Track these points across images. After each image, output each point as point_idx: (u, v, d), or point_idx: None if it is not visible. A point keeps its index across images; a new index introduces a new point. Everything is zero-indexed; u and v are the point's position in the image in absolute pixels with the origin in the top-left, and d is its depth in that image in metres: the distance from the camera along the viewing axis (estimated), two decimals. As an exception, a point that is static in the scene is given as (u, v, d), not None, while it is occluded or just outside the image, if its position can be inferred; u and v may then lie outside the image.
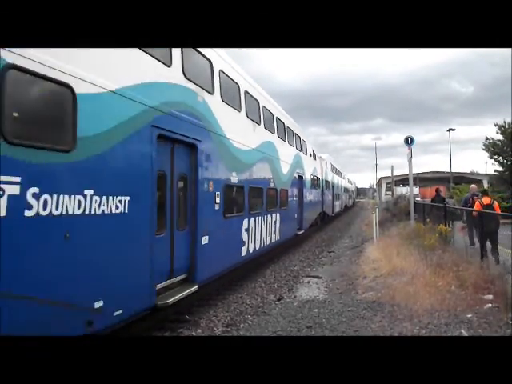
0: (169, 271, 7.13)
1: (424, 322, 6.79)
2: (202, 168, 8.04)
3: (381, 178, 70.26)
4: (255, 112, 11.72)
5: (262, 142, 12.11)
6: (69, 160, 4.60)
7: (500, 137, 41.39)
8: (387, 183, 62.74)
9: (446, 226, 13.31)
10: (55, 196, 4.40)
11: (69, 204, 4.57)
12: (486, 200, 11.75)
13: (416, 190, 45.50)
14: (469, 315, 6.92)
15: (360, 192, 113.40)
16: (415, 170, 49.60)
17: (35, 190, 4.15)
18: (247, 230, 10.83)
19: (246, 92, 10.85)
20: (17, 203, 3.94)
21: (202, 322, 7.98)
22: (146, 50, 6.13)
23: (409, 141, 17.46)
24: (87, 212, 4.85)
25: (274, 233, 13.65)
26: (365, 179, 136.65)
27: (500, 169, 43.06)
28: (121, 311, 5.49)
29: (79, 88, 4.74)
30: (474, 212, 11.40)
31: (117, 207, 5.38)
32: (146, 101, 6.06)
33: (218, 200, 8.82)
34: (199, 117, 7.90)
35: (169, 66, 6.84)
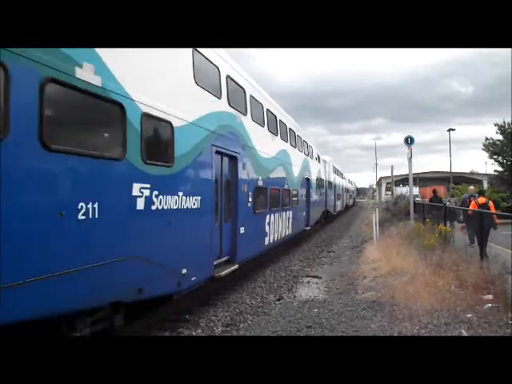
0: (219, 252, 9.21)
1: (424, 322, 6.79)
2: (240, 174, 10.14)
3: (381, 178, 70.33)
4: (274, 125, 13.75)
5: (278, 150, 14.19)
6: (171, 172, 6.75)
7: (500, 137, 41.42)
8: (387, 183, 62.80)
9: (445, 225, 13.34)
10: (164, 196, 6.51)
11: (170, 201, 6.70)
12: (482, 200, 12.45)
13: (416, 190, 45.55)
14: (469, 315, 6.92)
15: (360, 192, 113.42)
16: (415, 170, 49.71)
17: (156, 192, 6.26)
18: (269, 223, 12.87)
19: (268, 110, 12.99)
20: (148, 201, 6.07)
21: (201, 321, 7.97)
22: (205, 87, 8.15)
23: (409, 141, 17.48)
24: (179, 207, 7.02)
25: (288, 227, 15.57)
26: (364, 179, 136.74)
27: (500, 169, 43.11)
28: (195, 277, 7.66)
29: (175, 123, 6.85)
30: (469, 211, 11.98)
31: (194, 204, 7.55)
32: (208, 126, 8.18)
33: (250, 199, 10.89)
34: (238, 134, 10.09)
35: (219, 98, 8.93)
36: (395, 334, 6.44)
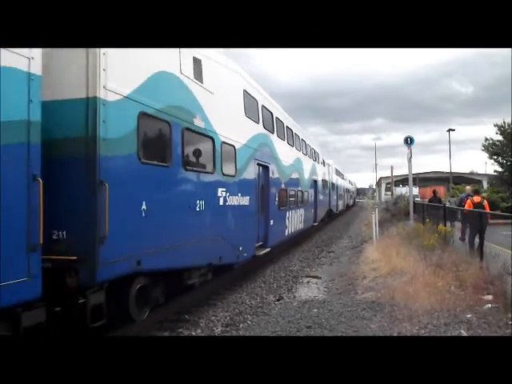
0: (257, 238, 12.04)
1: (423, 322, 6.78)
2: (271, 179, 13.12)
3: (380, 178, 70.32)
4: (291, 138, 16.90)
5: (294, 158, 17.21)
6: (234, 180, 9.99)
7: (499, 137, 41.39)
8: (387, 183, 62.78)
9: (445, 226, 13.35)
10: (231, 196, 9.70)
11: (234, 200, 9.91)
12: (477, 199, 13.00)
13: (416, 190, 45.55)
14: (468, 315, 6.92)
15: (360, 192, 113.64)
16: (415, 170, 49.71)
17: (228, 193, 9.44)
18: (288, 218, 15.68)
19: (287, 126, 16.27)
20: (224, 199, 9.28)
21: (201, 321, 7.97)
22: (250, 117, 11.32)
23: (408, 141, 17.49)
24: (239, 204, 10.23)
25: (301, 222, 18.26)
26: (364, 179, 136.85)
27: (499, 169, 43.08)
28: (246, 254, 10.82)
29: (236, 146, 10.09)
30: (464, 210, 12.81)
31: (246, 201, 10.75)
32: (253, 146, 11.42)
33: (276, 198, 13.79)
34: (269, 148, 13.19)
35: (257, 123, 12.08)
36: (395, 334, 6.44)
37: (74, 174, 5.43)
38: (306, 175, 19.74)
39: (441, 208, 15.17)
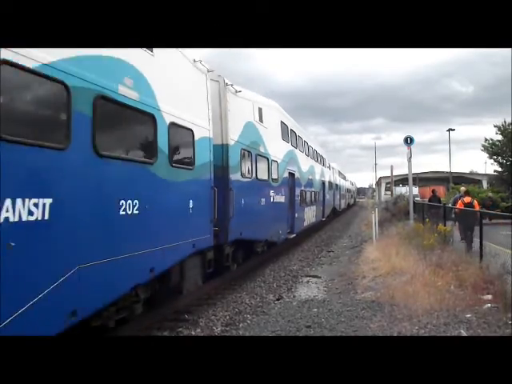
0: (287, 226, 15.92)
1: (423, 322, 6.78)
2: (296, 183, 17.34)
3: (380, 178, 70.24)
4: (308, 150, 21.46)
5: (309, 165, 21.59)
6: (278, 184, 14.25)
7: (499, 137, 41.35)
8: (387, 183, 62.73)
9: (444, 225, 13.36)
10: (276, 195, 14.09)
11: (277, 198, 14.13)
12: (468, 199, 14.12)
13: (415, 190, 45.53)
14: (468, 315, 6.92)
15: (360, 192, 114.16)
16: (415, 170, 49.65)
17: (274, 193, 14.05)
18: (306, 212, 19.83)
19: (305, 141, 20.82)
20: (273, 198, 13.67)
21: (201, 321, 7.97)
22: (284, 139, 15.66)
23: (408, 140, 17.48)
24: (279, 201, 14.42)
25: (313, 216, 22.28)
26: (364, 179, 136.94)
27: (499, 169, 43.06)
28: (282, 236, 15.04)
29: (278, 161, 14.40)
30: (457, 209, 13.84)
31: (283, 200, 14.86)
32: (286, 160, 15.58)
33: (299, 197, 18.03)
34: (294, 160, 17.48)
35: (288, 143, 16.32)
36: (395, 334, 6.44)
37: (221, 185, 9.55)
38: (317, 178, 24.20)
39: (440, 208, 15.21)
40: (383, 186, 67.90)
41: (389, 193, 49.52)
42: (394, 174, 44.88)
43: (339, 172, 41.59)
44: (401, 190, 45.17)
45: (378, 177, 71.87)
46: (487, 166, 63.99)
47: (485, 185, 51.89)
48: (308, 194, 20.46)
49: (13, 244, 3.98)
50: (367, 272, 11.19)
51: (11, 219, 3.97)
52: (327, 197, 27.91)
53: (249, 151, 11.47)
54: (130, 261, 5.86)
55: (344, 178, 48.07)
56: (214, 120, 9.35)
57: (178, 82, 7.68)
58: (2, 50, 3.63)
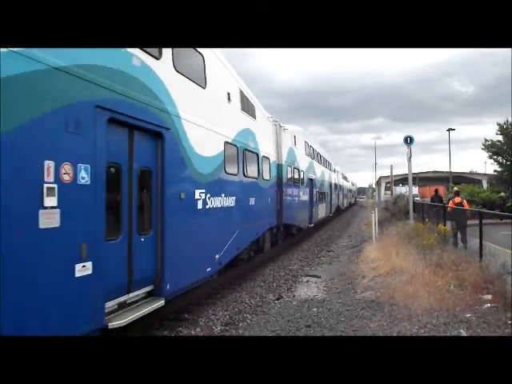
0: (308, 218, 20.94)
1: (423, 322, 6.79)
2: (313, 186, 22.24)
3: (380, 178, 70.25)
4: (321, 160, 27.21)
5: (321, 171, 26.61)
6: (304, 187, 19.83)
7: (499, 137, 41.36)
8: (386, 182, 62.72)
9: (444, 225, 13.36)
10: (303, 195, 19.85)
11: (304, 197, 19.97)
12: (458, 200, 15.07)
13: (415, 190, 45.53)
14: (468, 315, 6.92)
15: (360, 191, 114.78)
16: (415, 170, 50.06)
17: (302, 193, 19.62)
18: (319, 208, 24.56)
19: (318, 153, 25.67)
20: (302, 197, 19.65)
21: (200, 320, 7.97)
22: (306, 154, 21.38)
23: (408, 140, 17.48)
24: (305, 200, 20.19)
25: (324, 212, 27.00)
26: (364, 178, 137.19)
27: (499, 169, 43.07)
28: (307, 225, 20.84)
29: (304, 171, 20.00)
30: (448, 208, 14.50)
31: (307, 198, 20.64)
32: (309, 169, 21.49)
33: (315, 197, 22.80)
34: (312, 169, 22.68)
35: (308, 156, 21.45)
36: (394, 334, 6.44)
37: (277, 191, 14.46)
38: (327, 180, 29.42)
39: (440, 207, 15.25)
40: (383, 185, 67.91)
41: (389, 192, 49.53)
42: (394, 173, 44.90)
43: (343, 175, 49.45)
44: (401, 189, 45.18)
45: (378, 176, 71.90)
46: (487, 166, 64.04)
47: (485, 185, 51.91)
48: (321, 194, 25.87)
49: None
50: (367, 272, 11.20)
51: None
52: (333, 196, 33.56)
53: (291, 166, 16.90)
54: (251, 229, 11.54)
55: (346, 180, 55.78)
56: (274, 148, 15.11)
57: (263, 132, 13.28)
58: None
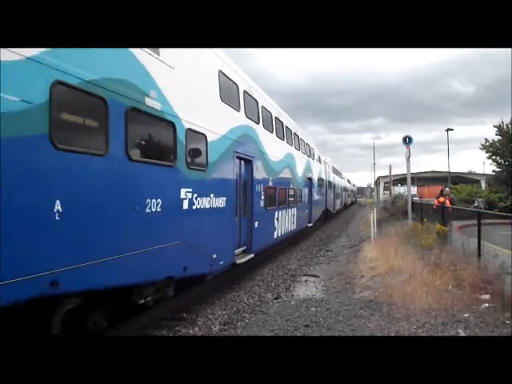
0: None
1: (421, 322, 6.79)
2: (330, 190, 31.70)
3: (379, 177, 70.26)
4: (335, 171, 36.00)
5: (333, 177, 32.17)
6: (323, 187, 27.51)
7: (498, 137, 41.47)
8: (385, 182, 62.72)
9: (443, 225, 13.37)
10: (319, 194, 26.27)
11: (317, 196, 24.69)
12: (442, 199, 17.64)
13: (414, 190, 45.56)
14: (466, 315, 6.93)
15: (358, 191, 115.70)
16: (414, 170, 50.34)
17: (316, 192, 25.25)
18: (335, 202, 33.20)
19: (335, 168, 35.48)
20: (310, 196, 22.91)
21: (199, 320, 7.97)
22: (336, 173, 34.33)
23: (407, 140, 17.50)
24: (315, 198, 23.81)
25: (335, 205, 34.15)
26: (363, 178, 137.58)
27: (498, 169, 43.16)
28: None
29: (315, 177, 24.19)
30: (434, 206, 17.14)
31: (320, 197, 26.04)
32: (319, 175, 26.13)
33: (331, 197, 32.37)
34: (329, 181, 31.27)
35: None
36: (393, 333, 6.45)
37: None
38: (338, 183, 38.22)
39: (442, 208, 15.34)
40: (382, 185, 67.94)
41: (387, 192, 49.58)
42: (394, 173, 44.96)
43: (347, 179, 53.97)
44: (399, 189, 45.22)
45: (377, 176, 71.93)
46: (486, 166, 64.13)
47: (483, 185, 51.97)
48: (334, 195, 34.18)
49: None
50: (365, 271, 11.21)
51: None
52: (342, 195, 42.67)
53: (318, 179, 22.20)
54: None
55: (349, 182, 59.97)
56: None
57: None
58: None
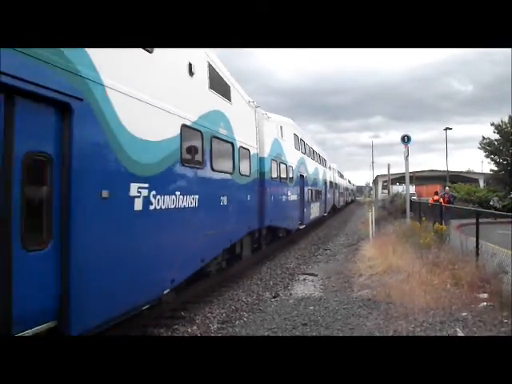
0: (324, 209, 29.19)
1: (419, 320, 6.81)
2: (336, 190, 39.54)
3: (377, 176, 70.31)
4: (340, 175, 43.35)
5: (338, 179, 39.46)
6: (330, 186, 32.83)
7: (497, 136, 41.54)
8: (383, 181, 62.79)
9: (441, 224, 13.38)
10: (332, 193, 36.20)
11: (335, 194, 37.77)
12: (436, 198, 20.07)
13: (412, 189, 45.64)
14: (464, 313, 6.95)
15: (357, 190, 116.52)
16: (412, 169, 50.78)
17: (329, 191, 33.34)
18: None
19: (339, 173, 43.11)
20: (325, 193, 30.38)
21: (197, 318, 7.97)
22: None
23: (405, 139, 17.54)
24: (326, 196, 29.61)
25: (340, 202, 42.36)
26: (362, 177, 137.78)
27: (496, 168, 43.24)
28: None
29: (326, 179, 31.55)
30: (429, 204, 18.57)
31: (330, 195, 33.59)
32: (332, 179, 35.56)
33: (337, 195, 40.22)
34: (336, 183, 39.59)
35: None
36: (391, 332, 6.46)
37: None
38: (343, 185, 42.95)
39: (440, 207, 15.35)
40: (380, 184, 68.01)
41: (386, 191, 49.70)
42: (392, 172, 45.03)
43: (348, 180, 60.47)
44: (398, 188, 45.33)
45: (376, 175, 72.00)
46: (484, 165, 64.38)
47: (481, 184, 52.06)
48: (339, 193, 35.77)
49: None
50: (364, 270, 11.22)
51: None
52: (346, 194, 45.10)
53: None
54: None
55: (350, 182, 66.45)
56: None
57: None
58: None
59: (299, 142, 19.31)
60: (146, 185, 6.02)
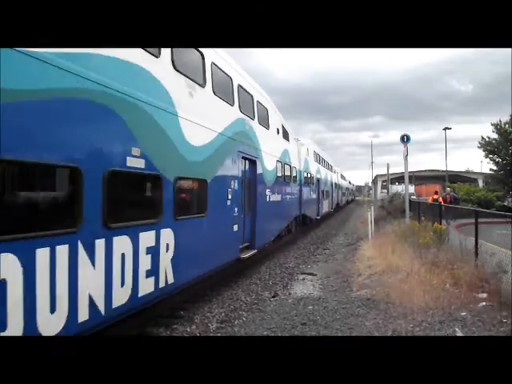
0: (331, 205, 36.57)
1: (418, 320, 6.82)
2: (339, 190, 46.11)
3: (376, 176, 70.42)
4: (342, 177, 50.61)
5: (341, 181, 46.74)
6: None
7: (496, 135, 41.55)
8: (383, 181, 62.90)
9: (440, 224, 13.40)
10: (338, 192, 45.15)
11: (338, 194, 45.26)
12: (435, 197, 20.26)
13: (411, 189, 45.70)
14: (463, 313, 6.96)
15: (357, 189, 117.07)
16: (412, 168, 51.16)
17: (337, 190, 44.73)
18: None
19: (341, 175, 50.96)
20: (330, 192, 36.94)
21: (196, 318, 7.98)
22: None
23: (405, 139, 17.52)
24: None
25: (342, 201, 49.63)
26: (361, 177, 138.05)
27: (495, 168, 43.27)
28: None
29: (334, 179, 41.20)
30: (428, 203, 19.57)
31: (334, 194, 41.12)
32: (336, 181, 43.33)
33: (340, 195, 46.40)
34: (339, 185, 47.00)
35: (331, 171, 37.57)
36: (390, 332, 6.47)
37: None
38: (343, 184, 45.75)
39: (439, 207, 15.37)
40: (379, 183, 68.12)
41: (385, 191, 49.81)
42: (391, 172, 45.11)
43: (349, 181, 64.15)
44: (397, 188, 45.40)
45: (375, 175, 72.11)
46: (483, 165, 64.49)
47: (480, 183, 52.14)
48: (340, 193, 38.37)
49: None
50: (363, 270, 11.23)
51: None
52: (345, 193, 49.39)
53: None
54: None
55: (349, 182, 70.43)
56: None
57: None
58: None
59: (315, 155, 26.43)
60: (270, 190, 13.49)
